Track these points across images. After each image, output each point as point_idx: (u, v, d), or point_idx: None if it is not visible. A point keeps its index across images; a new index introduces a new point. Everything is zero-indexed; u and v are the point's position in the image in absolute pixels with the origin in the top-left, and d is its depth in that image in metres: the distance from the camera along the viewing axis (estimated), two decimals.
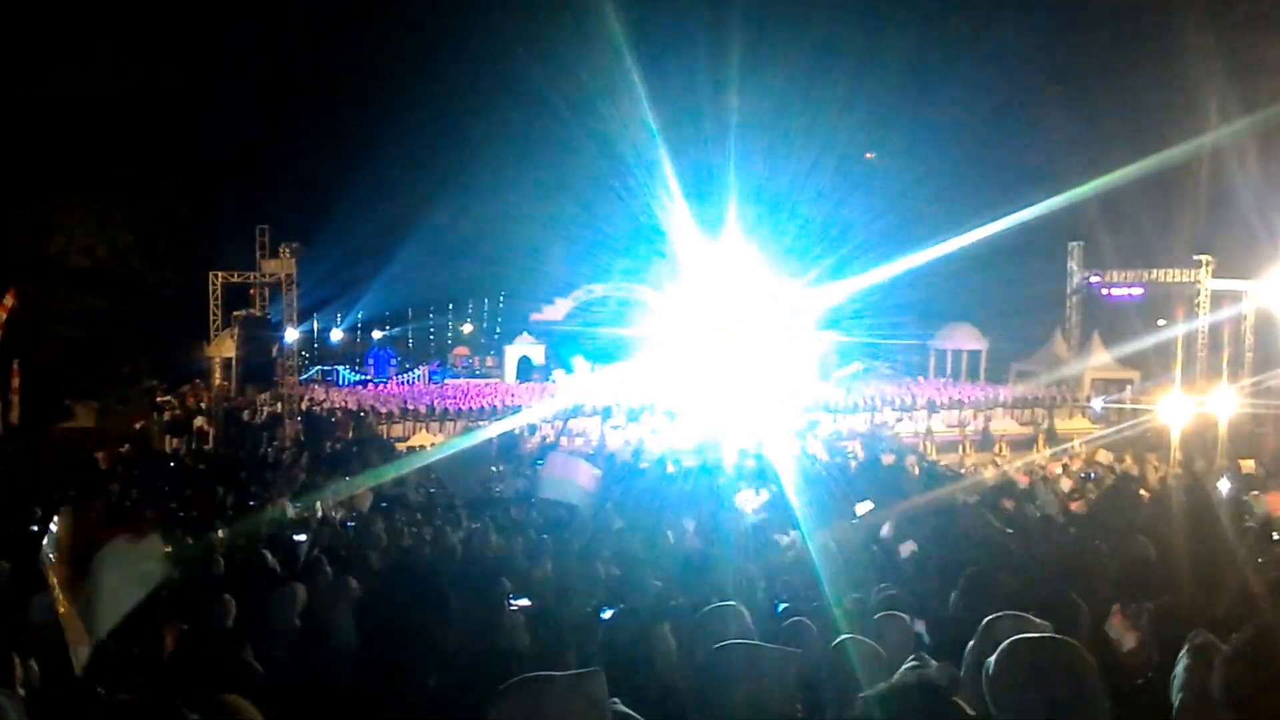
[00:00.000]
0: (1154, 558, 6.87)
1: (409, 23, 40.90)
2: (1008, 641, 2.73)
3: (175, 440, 26.97)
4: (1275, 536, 9.51)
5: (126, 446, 23.99)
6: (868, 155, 43.59)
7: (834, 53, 41.42)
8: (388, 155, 41.24)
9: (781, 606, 5.57)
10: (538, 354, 38.84)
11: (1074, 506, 13.76)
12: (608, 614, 5.32)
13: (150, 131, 30.48)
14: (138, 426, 28.10)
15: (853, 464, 21.22)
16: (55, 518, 4.64)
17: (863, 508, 10.86)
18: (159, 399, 31.24)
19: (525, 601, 6.03)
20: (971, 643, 3.33)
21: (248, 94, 35.81)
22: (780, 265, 42.49)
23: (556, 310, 39.55)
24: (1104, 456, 21.90)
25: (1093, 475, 18.88)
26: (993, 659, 2.71)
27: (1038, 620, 3.45)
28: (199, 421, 28.21)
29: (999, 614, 3.44)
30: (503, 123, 42.52)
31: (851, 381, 38.32)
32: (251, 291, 31.33)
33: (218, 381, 31.13)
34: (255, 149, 36.24)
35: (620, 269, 43.25)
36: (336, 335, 44.06)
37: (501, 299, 48.37)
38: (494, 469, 18.52)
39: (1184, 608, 4.35)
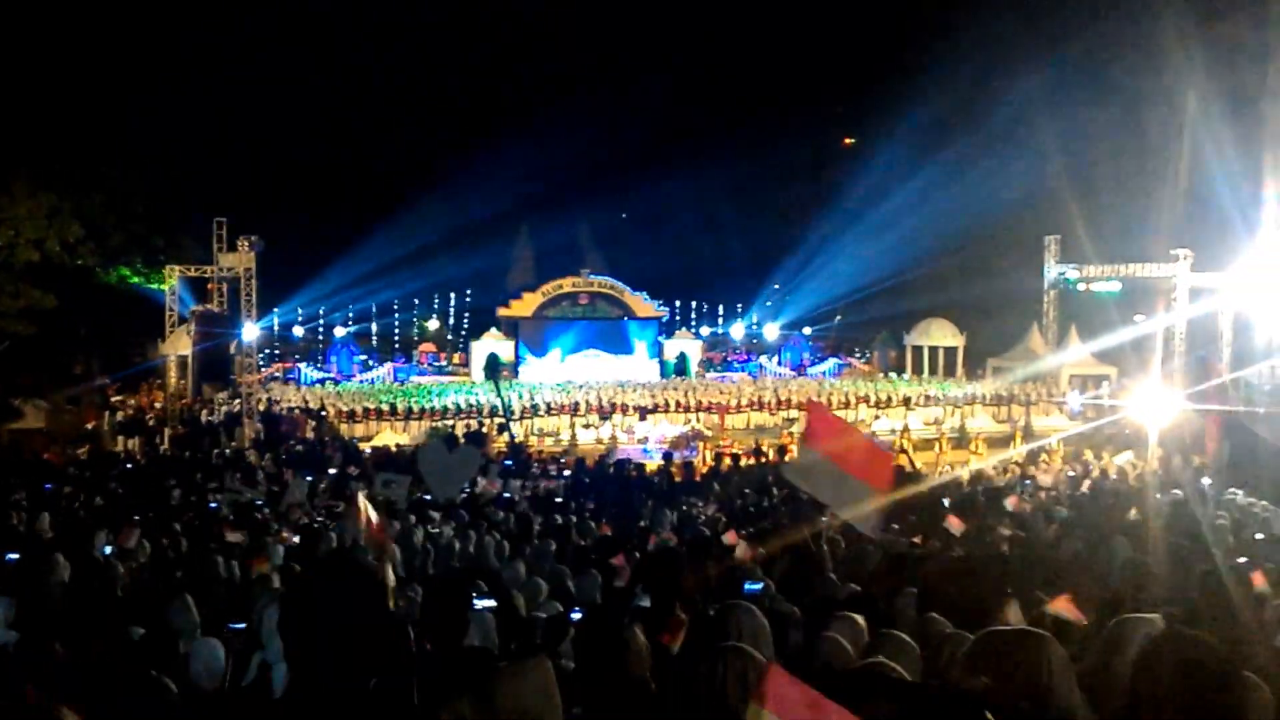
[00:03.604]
0: (1133, 557, 6.95)
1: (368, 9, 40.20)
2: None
3: (129, 441, 25.95)
4: (1260, 536, 9.41)
5: (84, 449, 23.15)
6: (846, 141, 43.27)
7: (812, 40, 41.19)
8: (350, 144, 40.53)
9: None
10: (506, 350, 38.01)
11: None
12: (578, 615, 5.49)
13: (101, 119, 29.59)
14: (89, 427, 27.23)
15: None
16: None
17: None
18: (112, 398, 30.29)
19: (490, 602, 5.70)
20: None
21: (205, 82, 34.93)
22: (752, 259, 42.16)
23: (525, 305, 38.63)
24: (1087, 455, 21.64)
25: (1071, 474, 18.66)
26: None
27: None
28: (153, 421, 27.28)
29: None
30: (472, 110, 41.89)
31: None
32: (209, 286, 30.36)
33: (173, 380, 30.12)
34: (213, 138, 35.33)
35: (594, 262, 42.77)
36: (298, 332, 43.10)
37: (468, 293, 47.62)
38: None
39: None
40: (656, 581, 5.52)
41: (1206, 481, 15.35)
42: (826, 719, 2.39)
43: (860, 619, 4.49)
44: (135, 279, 32.08)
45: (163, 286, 29.34)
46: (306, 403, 30.25)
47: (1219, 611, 4.87)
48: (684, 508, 13.89)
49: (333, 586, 2.45)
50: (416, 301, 48.21)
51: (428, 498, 13.35)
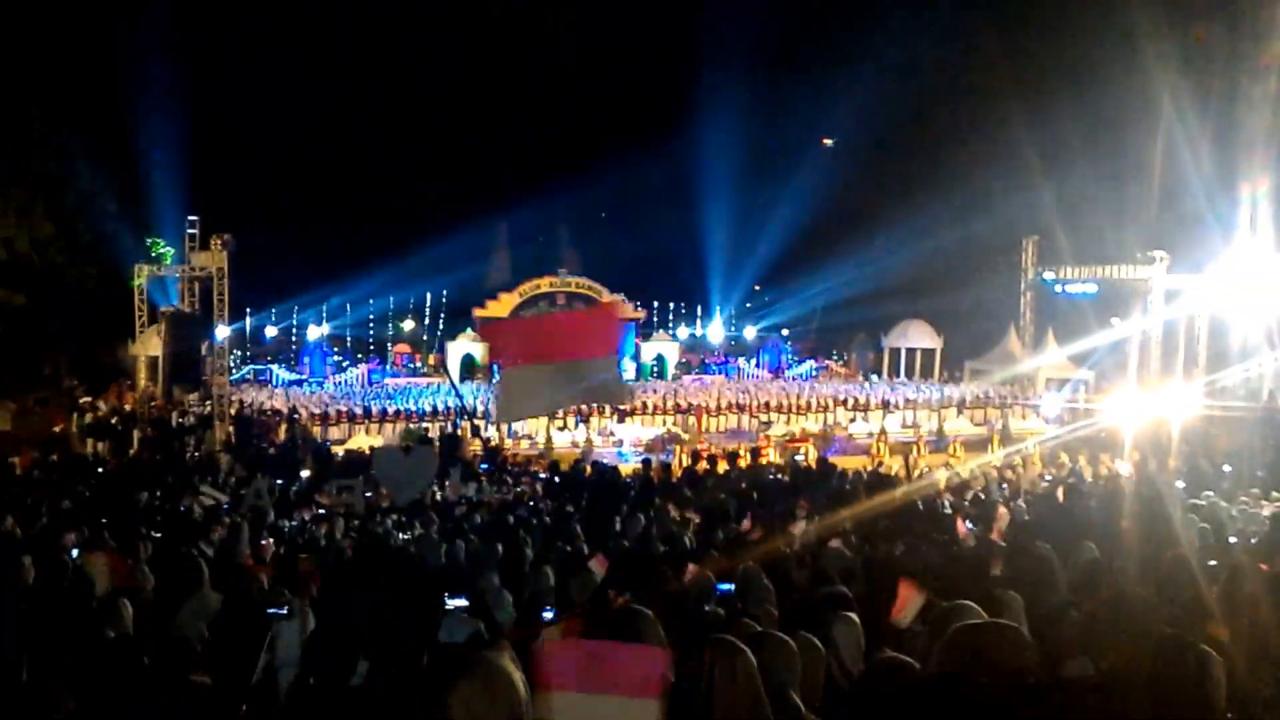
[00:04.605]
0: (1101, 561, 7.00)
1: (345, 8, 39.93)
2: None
3: (97, 444, 25.54)
4: (1232, 540, 9.34)
5: (54, 455, 22.74)
6: (825, 141, 43.27)
7: (791, 42, 41.20)
8: (325, 143, 40.15)
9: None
10: (481, 352, 37.69)
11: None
12: (549, 615, 5.70)
13: (73, 117, 29.21)
14: (57, 429, 26.73)
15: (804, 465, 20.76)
16: None
17: None
18: (80, 400, 29.76)
19: (462, 601, 5.65)
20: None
21: (178, 79, 34.52)
22: (729, 260, 42.06)
23: (501, 305, 38.28)
24: (1063, 458, 21.64)
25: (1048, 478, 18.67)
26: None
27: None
28: (122, 424, 26.84)
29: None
30: (450, 109, 41.68)
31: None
32: (180, 286, 29.95)
33: (143, 382, 29.66)
34: (185, 135, 34.91)
35: (571, 262, 42.57)
36: (270, 332, 42.63)
37: (444, 293, 47.16)
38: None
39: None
40: (629, 586, 5.39)
41: (1180, 485, 15.37)
42: (601, 661, 2.28)
43: (855, 617, 4.51)
44: (106, 278, 31.65)
45: (133, 285, 28.93)
46: (278, 405, 29.93)
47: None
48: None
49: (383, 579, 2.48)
50: (391, 301, 47.82)
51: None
